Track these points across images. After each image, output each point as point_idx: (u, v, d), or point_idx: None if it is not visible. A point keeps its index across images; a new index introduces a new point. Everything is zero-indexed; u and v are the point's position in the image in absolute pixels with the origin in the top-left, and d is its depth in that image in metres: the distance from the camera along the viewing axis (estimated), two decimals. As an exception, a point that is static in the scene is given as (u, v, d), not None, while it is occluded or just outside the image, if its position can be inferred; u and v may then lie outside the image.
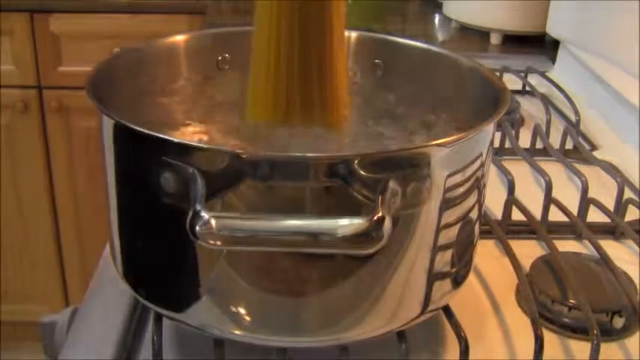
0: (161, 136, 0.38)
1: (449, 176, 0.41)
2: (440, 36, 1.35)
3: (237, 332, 0.42)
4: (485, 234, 0.60)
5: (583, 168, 0.70)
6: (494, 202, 0.65)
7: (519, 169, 0.71)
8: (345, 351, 0.44)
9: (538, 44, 1.21)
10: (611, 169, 0.72)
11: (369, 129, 0.55)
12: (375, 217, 0.35)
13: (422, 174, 0.39)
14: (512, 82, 0.96)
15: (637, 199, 0.66)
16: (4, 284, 1.66)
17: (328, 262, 0.40)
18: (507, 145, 0.78)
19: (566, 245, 0.61)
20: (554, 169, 0.72)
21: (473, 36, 1.26)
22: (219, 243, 0.35)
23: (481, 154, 0.43)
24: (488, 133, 0.44)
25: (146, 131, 0.39)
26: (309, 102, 0.45)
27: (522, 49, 1.21)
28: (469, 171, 0.42)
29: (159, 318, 0.46)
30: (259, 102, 0.45)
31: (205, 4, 1.43)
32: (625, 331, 0.51)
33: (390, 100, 0.55)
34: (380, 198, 0.37)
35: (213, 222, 0.35)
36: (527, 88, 0.97)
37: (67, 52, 1.50)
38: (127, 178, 0.43)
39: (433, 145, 0.40)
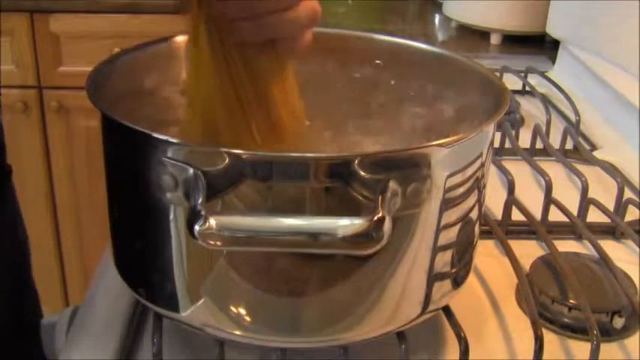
0: (161, 136, 0.38)
1: (449, 176, 0.41)
2: (440, 36, 1.35)
3: (237, 332, 0.42)
4: (486, 234, 0.60)
5: (583, 168, 0.70)
6: (495, 202, 0.65)
7: (519, 169, 0.71)
8: (345, 351, 0.44)
9: (538, 44, 1.21)
10: (611, 169, 0.72)
11: (368, 129, 0.55)
12: (375, 218, 0.35)
13: (422, 174, 0.39)
14: (512, 82, 0.96)
15: (637, 199, 0.66)
16: (4, 284, 1.65)
17: (328, 262, 0.40)
18: (507, 145, 0.78)
19: (566, 245, 0.61)
20: (554, 169, 0.72)
21: (473, 36, 1.26)
22: (219, 243, 0.35)
23: (481, 155, 0.43)
24: (489, 133, 0.44)
25: (146, 131, 0.39)
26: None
27: (522, 49, 1.21)
28: (469, 171, 0.42)
29: (159, 318, 0.46)
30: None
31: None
32: (625, 331, 0.51)
33: (389, 100, 0.55)
34: (380, 198, 0.37)
35: (213, 222, 0.35)
36: (527, 88, 0.97)
37: (67, 52, 1.50)
38: (127, 178, 0.43)
39: (433, 145, 0.40)
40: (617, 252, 0.61)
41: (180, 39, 0.55)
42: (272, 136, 0.46)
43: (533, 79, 0.98)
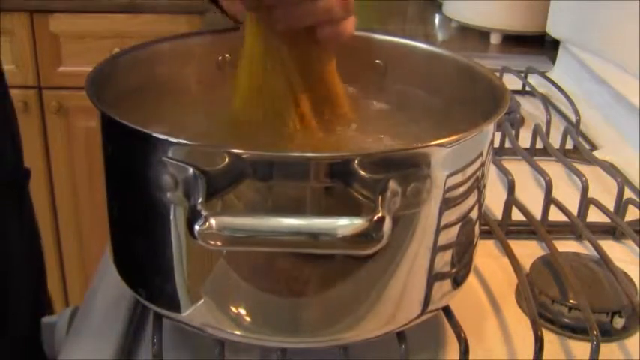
0: (161, 136, 0.38)
1: (449, 176, 0.41)
2: (440, 36, 1.35)
3: (237, 332, 0.42)
4: (485, 234, 0.60)
5: (583, 168, 0.70)
6: (495, 202, 0.65)
7: (519, 169, 0.71)
8: (345, 351, 0.44)
9: (538, 44, 1.21)
10: (611, 169, 0.72)
11: (368, 129, 0.55)
12: (375, 218, 0.35)
13: (422, 174, 0.39)
14: (512, 82, 0.96)
15: (637, 199, 0.66)
16: (4, 284, 1.65)
17: (328, 262, 0.40)
18: (507, 145, 0.78)
19: (566, 245, 0.61)
20: (554, 169, 0.72)
21: (473, 36, 1.26)
22: (219, 243, 0.35)
23: (481, 154, 0.43)
24: (488, 133, 0.44)
25: (146, 131, 0.39)
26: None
27: (522, 49, 1.21)
28: (469, 171, 0.42)
29: (159, 318, 0.46)
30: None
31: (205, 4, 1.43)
32: (625, 331, 0.51)
33: (389, 100, 0.55)
34: (380, 198, 0.37)
35: (213, 222, 0.35)
36: (527, 88, 0.97)
37: (67, 52, 1.50)
38: (127, 178, 0.43)
39: (433, 145, 0.40)
40: (617, 252, 0.61)
41: (180, 39, 0.55)
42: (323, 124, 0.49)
43: (533, 79, 0.98)
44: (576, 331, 0.51)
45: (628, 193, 0.67)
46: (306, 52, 0.47)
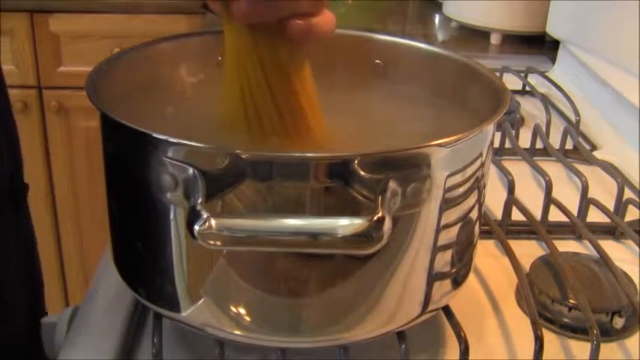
0: (161, 136, 0.38)
1: (449, 176, 0.41)
2: (440, 36, 1.35)
3: (237, 332, 0.42)
4: (485, 234, 0.60)
5: (583, 168, 0.70)
6: (495, 202, 0.65)
7: (519, 169, 0.71)
8: (345, 351, 0.44)
9: (538, 44, 1.21)
10: (611, 169, 0.72)
11: (368, 129, 0.55)
12: (375, 218, 0.35)
13: (422, 174, 0.39)
14: (512, 82, 0.96)
15: (637, 199, 0.66)
16: (4, 284, 1.65)
17: (328, 262, 0.40)
18: (507, 145, 0.78)
19: (566, 245, 0.61)
20: (554, 169, 0.72)
21: (473, 36, 1.26)
22: (219, 243, 0.35)
23: (481, 154, 0.43)
24: (489, 133, 0.44)
25: (146, 131, 0.39)
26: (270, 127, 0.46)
27: (522, 49, 1.21)
28: (469, 171, 0.42)
29: (159, 318, 0.46)
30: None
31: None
32: (625, 331, 0.51)
33: (389, 100, 0.55)
34: (380, 198, 0.37)
35: (213, 222, 0.35)
36: (527, 88, 0.97)
37: (67, 52, 1.50)
38: (127, 178, 0.43)
39: (433, 145, 0.40)
40: (617, 252, 0.61)
41: (180, 39, 0.55)
42: (294, 130, 0.46)
43: (533, 79, 0.98)
44: (576, 331, 0.51)
45: (628, 193, 0.67)
46: (277, 52, 0.44)
